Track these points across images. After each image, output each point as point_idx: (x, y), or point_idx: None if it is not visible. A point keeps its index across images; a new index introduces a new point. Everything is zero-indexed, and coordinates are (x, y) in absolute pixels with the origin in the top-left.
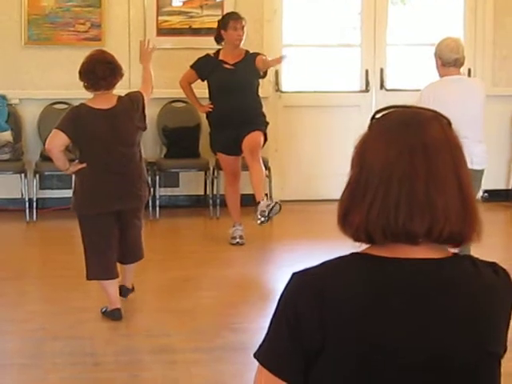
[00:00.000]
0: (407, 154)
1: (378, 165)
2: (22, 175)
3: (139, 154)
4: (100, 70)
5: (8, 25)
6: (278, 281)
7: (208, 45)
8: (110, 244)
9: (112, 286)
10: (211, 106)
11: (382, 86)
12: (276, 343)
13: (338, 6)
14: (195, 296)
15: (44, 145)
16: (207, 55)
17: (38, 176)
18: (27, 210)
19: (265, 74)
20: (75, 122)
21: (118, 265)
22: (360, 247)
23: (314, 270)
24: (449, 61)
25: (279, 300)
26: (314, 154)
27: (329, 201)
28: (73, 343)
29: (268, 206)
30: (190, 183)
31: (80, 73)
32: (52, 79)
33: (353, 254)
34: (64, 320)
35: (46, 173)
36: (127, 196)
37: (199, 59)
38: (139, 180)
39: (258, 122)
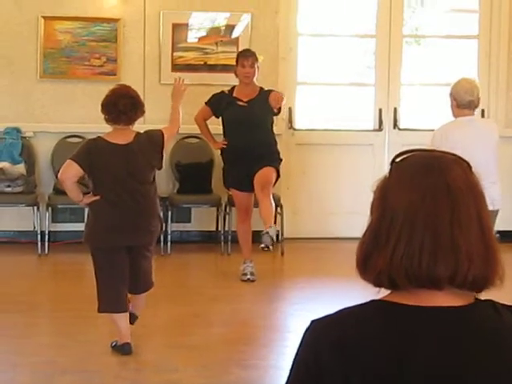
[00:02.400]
0: (431, 197)
1: (401, 208)
2: (35, 208)
3: (154, 190)
4: (122, 104)
5: (24, 58)
6: (289, 318)
7: (223, 81)
8: (122, 277)
9: (122, 320)
10: (225, 143)
11: (395, 126)
12: None
13: (353, 46)
14: (205, 332)
15: (57, 177)
16: (222, 92)
17: (50, 209)
18: (39, 243)
19: (278, 111)
20: (90, 154)
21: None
22: (379, 292)
23: (335, 318)
24: (463, 102)
25: (299, 348)
26: (326, 192)
27: (341, 239)
28: (82, 377)
29: (272, 237)
30: (202, 219)
31: (102, 105)
32: (66, 113)
33: (373, 301)
34: (74, 353)
35: (59, 206)
36: (140, 231)
37: (214, 96)
38: (152, 216)
39: (271, 158)
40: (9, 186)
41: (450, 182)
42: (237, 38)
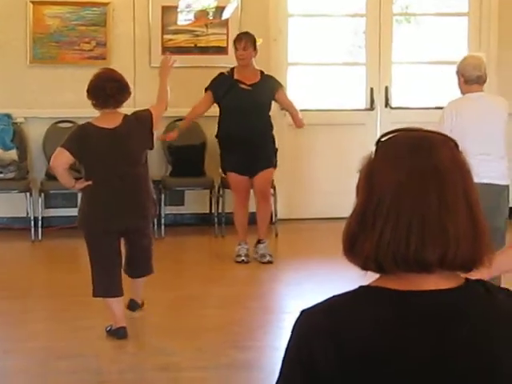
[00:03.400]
0: (418, 179)
1: (387, 190)
2: (28, 194)
3: (145, 172)
4: (109, 88)
5: (13, 44)
6: (284, 299)
7: (214, 63)
8: (115, 262)
9: (117, 304)
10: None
11: (386, 104)
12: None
13: (344, 25)
14: (200, 314)
15: (49, 163)
16: (221, 74)
17: (43, 195)
18: (32, 229)
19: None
20: (80, 140)
21: (128, 279)
22: (366, 275)
23: (324, 307)
24: (471, 78)
25: (290, 339)
26: (318, 172)
27: (334, 219)
28: (78, 362)
29: (264, 254)
30: (196, 201)
31: (88, 91)
32: (57, 98)
33: (362, 287)
34: (69, 338)
35: (52, 191)
36: (132, 215)
37: (214, 80)
38: (145, 199)
39: (270, 152)
40: (1, 173)
41: (438, 163)
42: (226, 20)
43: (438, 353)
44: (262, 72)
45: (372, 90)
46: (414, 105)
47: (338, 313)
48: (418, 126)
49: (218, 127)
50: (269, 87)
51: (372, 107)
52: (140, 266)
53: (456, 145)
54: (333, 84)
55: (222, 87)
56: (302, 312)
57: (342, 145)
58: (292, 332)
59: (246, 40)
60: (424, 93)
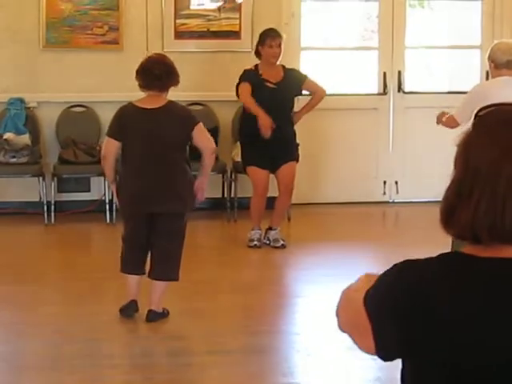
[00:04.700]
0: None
1: (483, 164)
2: (40, 178)
3: (181, 160)
4: (157, 69)
5: (26, 28)
6: (296, 284)
7: (226, 47)
8: (140, 244)
9: (131, 279)
10: (273, 127)
11: (399, 89)
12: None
13: (356, 10)
14: (212, 298)
15: (61, 148)
16: (247, 70)
17: (56, 179)
18: (45, 213)
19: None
20: (119, 120)
21: (148, 285)
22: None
23: (419, 263)
24: (501, 62)
25: (384, 285)
26: (331, 156)
27: (346, 203)
28: (90, 345)
29: (277, 238)
30: (208, 186)
31: (137, 71)
32: (70, 82)
33: (448, 253)
34: (81, 322)
35: (64, 176)
36: (159, 200)
37: (245, 72)
38: (178, 186)
39: (292, 148)
40: (14, 157)
41: None
42: (239, 4)
43: None
44: (283, 67)
45: (385, 74)
46: (426, 89)
47: (427, 272)
48: (431, 110)
49: (242, 125)
50: (294, 83)
51: (385, 92)
52: (158, 267)
53: None
54: (345, 69)
55: (253, 82)
56: (404, 261)
57: (354, 129)
58: (387, 273)
59: (279, 37)
60: (437, 77)
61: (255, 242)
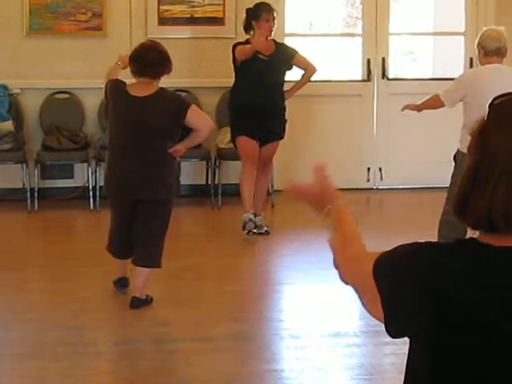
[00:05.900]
0: None
1: (499, 151)
2: (24, 165)
3: (166, 149)
4: (150, 56)
5: (9, 14)
6: (279, 270)
7: (210, 34)
8: (126, 228)
9: (121, 261)
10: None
11: (383, 76)
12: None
13: None
14: (195, 286)
15: (45, 134)
16: (241, 43)
17: (39, 166)
18: (28, 200)
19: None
20: (116, 87)
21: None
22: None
23: (440, 245)
24: (491, 49)
25: (400, 262)
26: (315, 142)
27: None
28: (73, 333)
29: (261, 224)
30: (192, 173)
31: (130, 58)
32: (53, 69)
33: (465, 240)
34: (65, 310)
35: (48, 162)
36: (144, 187)
37: (238, 43)
38: (162, 174)
39: (281, 125)
40: None
41: None
42: None
43: None
44: (274, 41)
45: (369, 60)
46: (410, 76)
47: (444, 253)
48: (415, 97)
49: (232, 96)
50: (285, 57)
51: (369, 78)
52: (140, 252)
53: None
54: (329, 55)
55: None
56: (426, 242)
57: (338, 116)
58: (408, 249)
59: (274, 11)
60: (421, 64)
61: (253, 229)
